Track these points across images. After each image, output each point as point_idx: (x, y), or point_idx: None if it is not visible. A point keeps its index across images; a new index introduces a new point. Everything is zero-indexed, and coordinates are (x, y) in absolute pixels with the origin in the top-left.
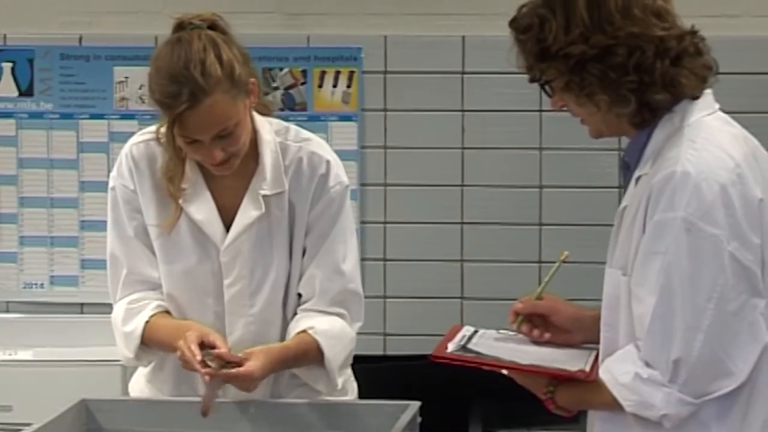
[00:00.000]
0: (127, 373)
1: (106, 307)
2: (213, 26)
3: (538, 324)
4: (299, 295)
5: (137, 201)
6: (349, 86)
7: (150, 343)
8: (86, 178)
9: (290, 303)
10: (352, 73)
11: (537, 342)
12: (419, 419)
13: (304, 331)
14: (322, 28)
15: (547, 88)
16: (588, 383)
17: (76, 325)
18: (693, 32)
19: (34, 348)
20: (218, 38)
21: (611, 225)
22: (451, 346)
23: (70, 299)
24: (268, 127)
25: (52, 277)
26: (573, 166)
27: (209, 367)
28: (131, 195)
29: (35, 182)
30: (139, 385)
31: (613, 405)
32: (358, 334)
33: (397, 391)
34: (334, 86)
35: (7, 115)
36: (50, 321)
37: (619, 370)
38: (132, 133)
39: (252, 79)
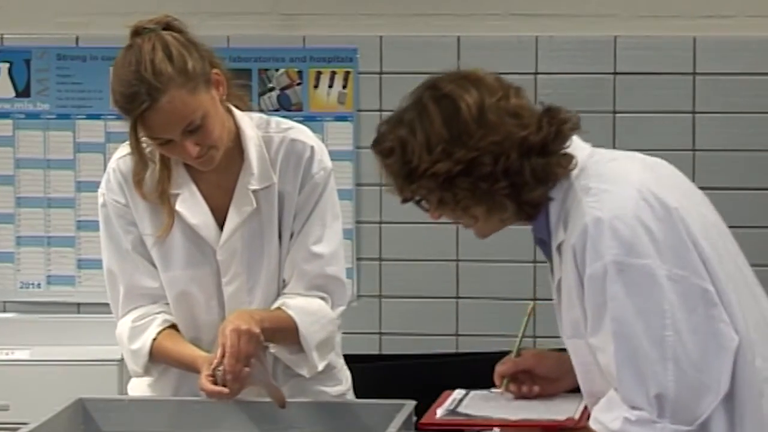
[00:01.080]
0: (124, 372)
1: (103, 307)
2: (168, 27)
3: (524, 380)
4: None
5: (130, 214)
6: (344, 87)
7: (160, 360)
8: (83, 179)
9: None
10: (347, 73)
11: (529, 398)
12: (414, 418)
13: (278, 308)
14: (317, 29)
15: (422, 203)
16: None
17: (72, 324)
18: (547, 110)
19: (31, 347)
20: (168, 36)
21: None
22: (439, 412)
23: (66, 299)
24: (249, 122)
25: (48, 276)
26: None
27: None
28: (123, 209)
29: (32, 182)
30: (140, 389)
31: None
32: (354, 333)
33: (393, 391)
34: (330, 87)
35: (3, 115)
36: (47, 321)
37: (608, 418)
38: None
39: (215, 70)
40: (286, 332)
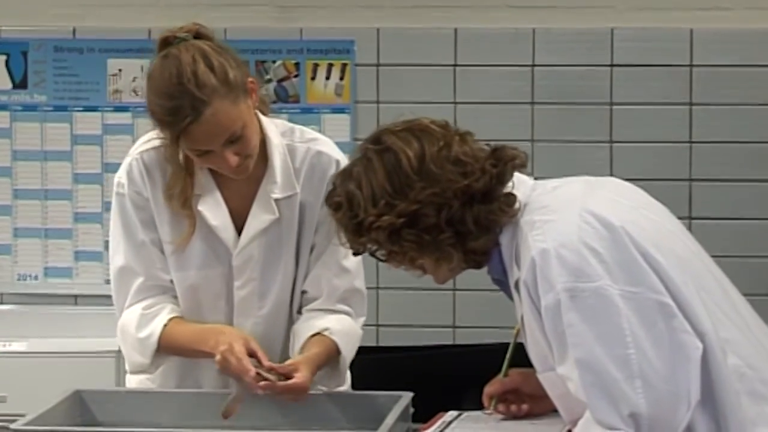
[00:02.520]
0: (121, 364)
1: (100, 299)
2: (198, 35)
3: (513, 400)
4: (302, 292)
5: (150, 208)
6: (341, 78)
7: (167, 348)
8: (80, 171)
9: (295, 301)
10: (344, 65)
11: (518, 417)
12: (412, 410)
13: (319, 333)
14: (314, 21)
15: (377, 255)
16: None
17: (70, 316)
18: (493, 151)
19: (29, 339)
20: (205, 45)
21: None
22: None
23: (64, 291)
24: (274, 129)
25: (46, 268)
26: (565, 158)
27: (264, 379)
28: (144, 202)
29: (29, 174)
30: (139, 380)
31: None
32: None
33: (390, 382)
34: (327, 78)
35: (0, 107)
36: (44, 312)
37: None
38: (125, 125)
39: (250, 78)
40: (330, 359)
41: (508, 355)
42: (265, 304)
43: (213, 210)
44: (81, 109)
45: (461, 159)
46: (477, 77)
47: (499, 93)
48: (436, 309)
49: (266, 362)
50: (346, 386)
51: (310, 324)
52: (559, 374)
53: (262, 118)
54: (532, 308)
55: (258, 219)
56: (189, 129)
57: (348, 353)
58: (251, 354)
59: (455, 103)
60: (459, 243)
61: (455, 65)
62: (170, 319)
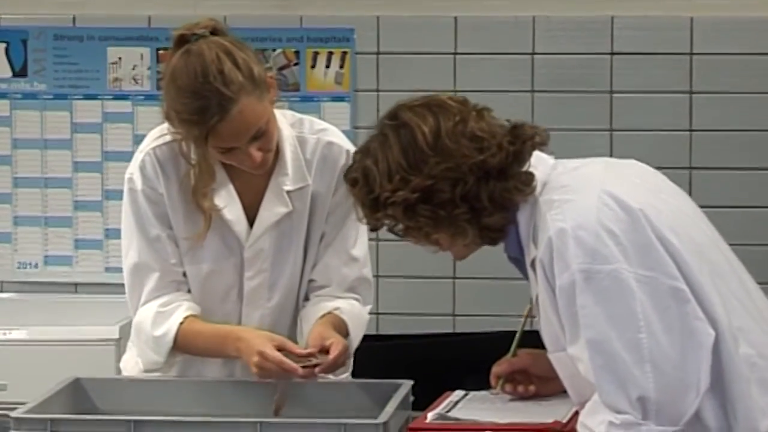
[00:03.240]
0: (120, 352)
1: (100, 287)
2: (214, 31)
3: (521, 380)
4: (310, 281)
5: (164, 204)
6: (341, 67)
7: (182, 347)
8: (80, 159)
9: (302, 290)
10: (344, 53)
11: (525, 398)
12: (412, 398)
13: (329, 313)
14: (314, 9)
15: (395, 230)
16: None
17: (70, 304)
18: (512, 128)
19: (29, 327)
20: (226, 42)
21: None
22: (430, 416)
23: (64, 279)
24: (284, 121)
25: (46, 257)
26: (565, 146)
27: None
28: (158, 197)
29: (29, 162)
30: (132, 365)
31: None
32: None
33: (390, 371)
34: (327, 67)
35: (0, 95)
36: (44, 300)
37: (594, 422)
38: (125, 114)
39: (270, 74)
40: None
41: (517, 335)
42: (274, 294)
43: (228, 204)
44: (81, 97)
45: (477, 134)
46: (477, 65)
47: (499, 81)
48: (436, 297)
49: (299, 350)
50: (346, 374)
51: (319, 307)
52: (570, 355)
53: (275, 112)
54: (547, 287)
55: (270, 212)
56: (216, 127)
57: (355, 336)
58: (281, 349)
59: (455, 91)
60: (474, 219)
61: (455, 53)
62: (186, 317)
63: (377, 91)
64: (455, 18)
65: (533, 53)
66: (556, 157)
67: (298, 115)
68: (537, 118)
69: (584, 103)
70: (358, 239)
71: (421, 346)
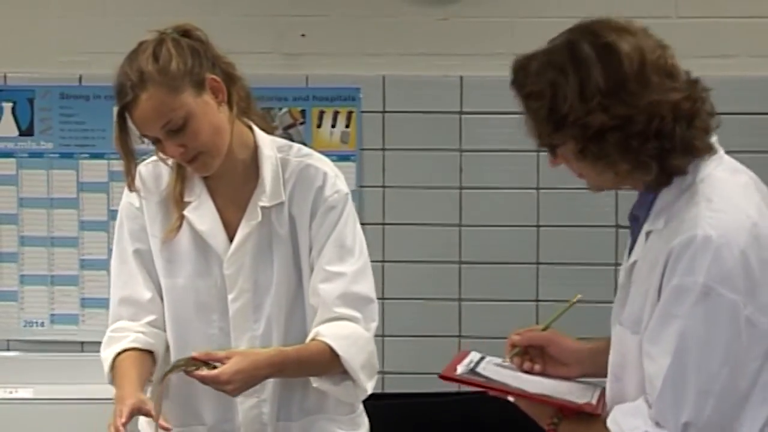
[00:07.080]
0: None
1: None
2: (185, 34)
3: (534, 355)
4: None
5: (142, 219)
6: (347, 126)
7: (117, 377)
8: (86, 218)
9: (307, 320)
10: (350, 112)
11: (540, 373)
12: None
13: (312, 340)
14: (320, 68)
15: (555, 150)
16: (592, 422)
17: (76, 363)
18: (695, 82)
19: (35, 386)
20: (169, 38)
21: (608, 264)
22: (460, 368)
23: (70, 337)
24: (269, 143)
25: (52, 315)
26: (570, 206)
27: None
28: (136, 212)
29: (35, 221)
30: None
31: None
32: None
33: (397, 429)
34: (333, 126)
35: (7, 154)
36: (50, 359)
37: (628, 424)
38: None
39: (211, 76)
40: (323, 362)
41: (557, 314)
42: (261, 316)
43: (202, 216)
44: (87, 156)
45: (674, 73)
46: (483, 125)
47: (504, 140)
48: (441, 319)
49: (204, 353)
50: (365, 430)
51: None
52: (644, 347)
53: (259, 132)
54: (659, 273)
55: (247, 224)
56: (129, 108)
57: (350, 355)
58: (145, 414)
59: (461, 150)
60: (662, 157)
61: (461, 113)
62: (124, 350)
63: (383, 149)
64: (461, 77)
65: None
66: (558, 214)
67: (289, 143)
68: (542, 177)
69: None
70: (345, 257)
71: (428, 405)
